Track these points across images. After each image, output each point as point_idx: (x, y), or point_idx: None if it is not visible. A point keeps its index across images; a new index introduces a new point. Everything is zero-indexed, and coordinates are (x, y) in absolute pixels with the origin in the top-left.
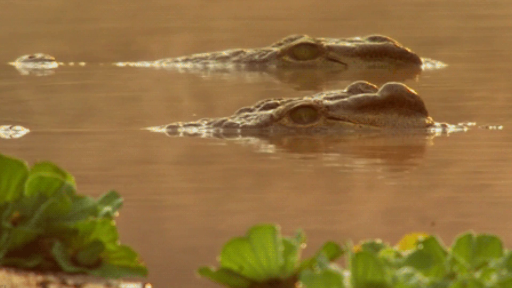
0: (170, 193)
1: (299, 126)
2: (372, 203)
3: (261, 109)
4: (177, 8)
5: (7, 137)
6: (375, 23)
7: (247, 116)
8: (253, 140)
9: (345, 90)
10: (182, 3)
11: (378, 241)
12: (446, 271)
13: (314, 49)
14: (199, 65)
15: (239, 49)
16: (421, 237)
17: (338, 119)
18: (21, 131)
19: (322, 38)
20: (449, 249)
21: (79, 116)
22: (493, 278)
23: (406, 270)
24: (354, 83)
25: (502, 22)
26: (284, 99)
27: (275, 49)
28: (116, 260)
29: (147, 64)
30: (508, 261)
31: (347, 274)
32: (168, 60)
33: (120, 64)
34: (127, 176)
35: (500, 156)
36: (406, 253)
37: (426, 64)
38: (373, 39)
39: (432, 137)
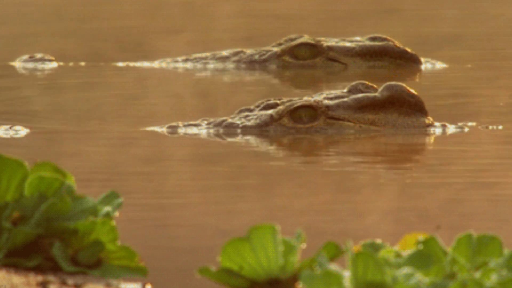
0: (170, 193)
1: (299, 126)
2: (372, 203)
3: (261, 109)
4: (179, 8)
5: (7, 137)
6: (376, 22)
7: (247, 116)
8: (253, 140)
9: (345, 90)
10: (183, 2)
11: (378, 241)
12: (446, 271)
13: (314, 49)
14: (199, 65)
15: (239, 49)
16: (421, 237)
17: (338, 119)
18: (21, 131)
19: (322, 38)
20: (449, 249)
21: (79, 116)
22: (493, 278)
23: (406, 270)
24: (354, 83)
25: (503, 22)
26: (284, 99)
27: (275, 49)
28: (116, 260)
29: (147, 64)
30: (508, 261)
31: (347, 274)
32: (168, 60)
33: (120, 64)
34: (127, 176)
35: (500, 156)
36: (406, 253)
37: (426, 64)
38: (373, 39)
39: (432, 137)
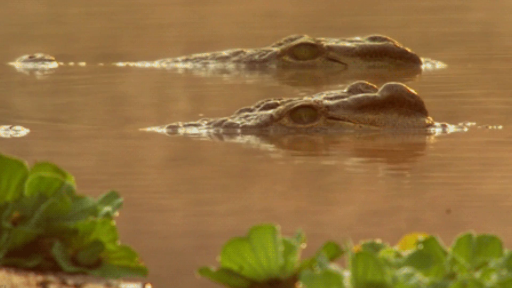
0: (170, 193)
1: (299, 126)
2: (372, 203)
3: (261, 109)
4: (179, 8)
5: (7, 137)
6: (376, 23)
7: (247, 116)
8: (253, 140)
9: (345, 90)
10: (183, 2)
11: (378, 241)
12: (446, 271)
13: (314, 49)
14: (199, 65)
15: (239, 49)
16: (421, 237)
17: (338, 119)
18: (21, 131)
19: (322, 38)
20: (449, 249)
21: (79, 116)
22: (493, 278)
23: (406, 270)
24: (354, 83)
25: (503, 22)
26: (284, 99)
27: (275, 49)
28: (116, 260)
29: (147, 64)
30: (508, 261)
31: (347, 274)
32: (168, 60)
33: (120, 64)
34: (127, 176)
35: (500, 156)
36: (406, 253)
37: (426, 64)
38: (373, 39)
39: (432, 137)
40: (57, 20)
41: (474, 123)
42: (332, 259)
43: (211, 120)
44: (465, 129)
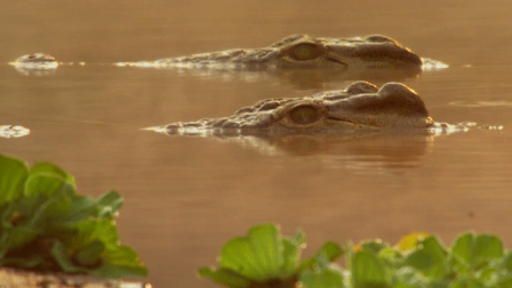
0: (169, 193)
1: (299, 126)
2: (372, 203)
3: (261, 109)
4: (179, 8)
5: (7, 137)
6: (375, 23)
7: (247, 116)
8: (253, 140)
9: (345, 90)
10: (185, 3)
11: (378, 241)
12: (446, 271)
13: (314, 49)
14: (199, 65)
15: (239, 49)
16: (421, 237)
17: (338, 119)
18: (21, 131)
19: (322, 38)
20: (449, 249)
21: (79, 116)
22: (493, 278)
23: (406, 270)
24: (354, 83)
25: (503, 22)
26: (284, 99)
27: (275, 49)
28: (116, 260)
29: (147, 64)
30: (508, 261)
31: (347, 274)
32: (168, 60)
33: (120, 64)
34: (127, 176)
35: (500, 156)
36: (406, 253)
37: (426, 64)
38: (373, 39)
39: (432, 137)
40: (58, 20)
41: (474, 123)
42: (332, 259)
43: (211, 120)
44: (465, 129)
